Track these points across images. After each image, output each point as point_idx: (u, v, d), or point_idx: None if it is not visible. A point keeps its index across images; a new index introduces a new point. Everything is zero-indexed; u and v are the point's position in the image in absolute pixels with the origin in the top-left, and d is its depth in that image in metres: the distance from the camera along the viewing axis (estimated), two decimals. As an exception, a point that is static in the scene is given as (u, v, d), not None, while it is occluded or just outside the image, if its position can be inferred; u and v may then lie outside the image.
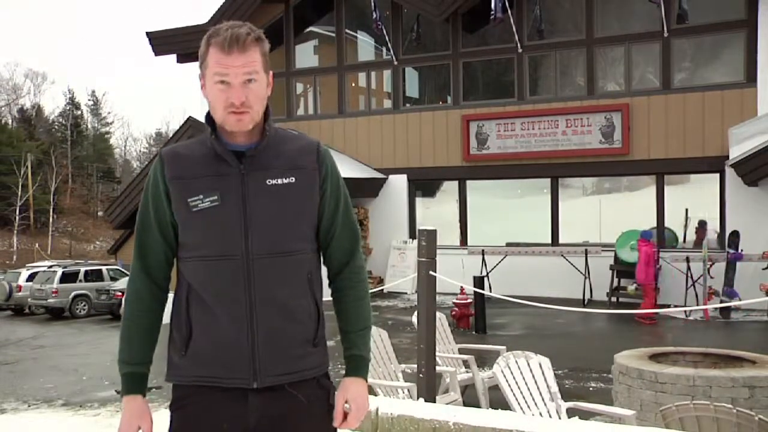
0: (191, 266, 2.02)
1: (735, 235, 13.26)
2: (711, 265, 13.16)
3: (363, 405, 2.09)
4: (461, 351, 7.12)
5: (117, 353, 2.07)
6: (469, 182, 17.37)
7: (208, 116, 2.06)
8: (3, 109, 62.98)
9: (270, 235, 1.99)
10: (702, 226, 15.88)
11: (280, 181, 2.01)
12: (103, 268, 22.84)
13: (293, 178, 2.02)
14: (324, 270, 2.20)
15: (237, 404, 1.98)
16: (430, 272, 5.33)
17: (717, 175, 14.58)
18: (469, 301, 12.01)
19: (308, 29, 19.70)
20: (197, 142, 2.08)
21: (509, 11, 15.91)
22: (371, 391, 5.77)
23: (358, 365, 2.13)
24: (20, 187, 50.94)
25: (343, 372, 2.14)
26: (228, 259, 1.97)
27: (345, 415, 2.08)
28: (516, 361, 4.95)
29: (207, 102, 2.03)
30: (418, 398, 5.34)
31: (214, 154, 2.02)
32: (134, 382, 2.05)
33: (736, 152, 13.42)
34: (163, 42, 20.10)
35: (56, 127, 65.23)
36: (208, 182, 1.99)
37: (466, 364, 6.78)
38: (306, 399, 2.02)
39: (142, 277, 2.07)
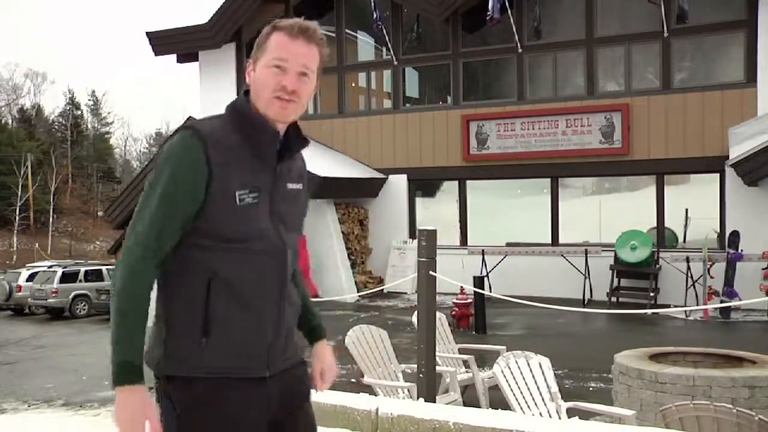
0: (225, 257, 1.93)
1: (735, 235, 13.26)
2: (711, 265, 13.16)
3: (335, 368, 2.37)
4: (461, 351, 7.12)
5: (112, 342, 1.84)
6: (469, 182, 17.37)
7: (242, 104, 2.02)
8: (3, 109, 63.01)
9: (292, 237, 2.09)
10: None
11: (294, 187, 2.10)
12: (103, 268, 22.78)
13: (301, 185, 2.13)
14: None
15: (261, 392, 2.00)
16: (430, 272, 5.34)
17: (717, 175, 14.58)
18: (469, 301, 12.01)
19: (308, 29, 19.67)
20: (227, 127, 1.99)
21: (509, 11, 15.92)
22: (371, 391, 5.77)
23: (323, 332, 2.36)
24: (20, 187, 50.93)
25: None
26: (269, 256, 1.99)
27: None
28: (516, 361, 4.95)
29: (252, 88, 2.02)
30: (418, 398, 5.34)
31: (251, 145, 1.98)
32: (136, 370, 1.83)
33: (736, 152, 13.41)
34: (163, 42, 20.10)
35: (56, 127, 65.21)
36: (249, 176, 1.96)
37: (466, 364, 6.78)
38: (304, 377, 2.20)
39: (152, 265, 1.89)
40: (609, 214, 16.03)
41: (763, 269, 12.79)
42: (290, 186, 2.07)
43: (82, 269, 22.10)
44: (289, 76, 1.97)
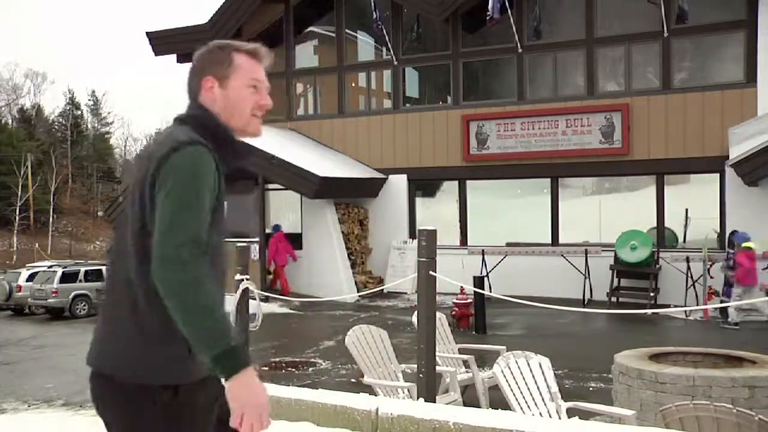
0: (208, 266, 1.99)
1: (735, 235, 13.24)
2: (711, 265, 13.16)
3: None
4: (461, 351, 7.12)
5: (208, 338, 1.81)
6: (469, 182, 17.37)
7: (213, 123, 2.05)
8: (3, 109, 62.96)
9: None
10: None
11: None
12: (103, 268, 22.77)
13: None
14: None
15: (215, 389, 2.07)
16: (430, 272, 5.33)
17: (717, 175, 14.57)
18: (469, 301, 12.01)
19: (308, 29, 19.70)
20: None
21: (509, 11, 15.91)
22: (371, 391, 5.76)
23: None
24: (20, 187, 50.88)
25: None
26: (227, 258, 2.17)
27: None
28: (516, 361, 4.95)
29: (221, 104, 2.07)
30: (418, 398, 5.34)
31: (225, 161, 2.05)
32: (243, 351, 1.84)
33: (736, 152, 13.41)
34: (163, 42, 20.09)
35: (56, 127, 65.14)
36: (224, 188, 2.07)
37: (466, 364, 6.78)
38: None
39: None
40: (609, 214, 16.03)
41: (730, 276, 12.14)
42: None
43: (82, 269, 22.08)
44: (264, 95, 2.13)
